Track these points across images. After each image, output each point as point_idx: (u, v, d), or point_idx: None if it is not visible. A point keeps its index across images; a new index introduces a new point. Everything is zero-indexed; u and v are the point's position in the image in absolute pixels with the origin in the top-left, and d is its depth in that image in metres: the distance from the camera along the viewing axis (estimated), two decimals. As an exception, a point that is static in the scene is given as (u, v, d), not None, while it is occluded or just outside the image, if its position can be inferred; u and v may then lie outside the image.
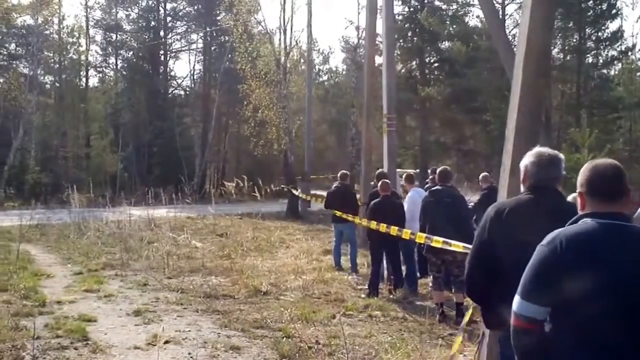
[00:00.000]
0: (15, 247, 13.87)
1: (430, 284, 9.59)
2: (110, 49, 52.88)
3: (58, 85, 46.78)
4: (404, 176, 12.18)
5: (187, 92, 55.72)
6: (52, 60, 47.05)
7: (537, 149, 3.92)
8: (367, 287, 10.70)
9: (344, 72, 59.92)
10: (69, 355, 6.89)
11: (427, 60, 37.29)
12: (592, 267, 2.62)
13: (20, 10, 45.33)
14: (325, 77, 60.43)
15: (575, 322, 2.65)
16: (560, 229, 2.76)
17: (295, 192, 26.02)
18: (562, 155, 3.86)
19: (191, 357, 6.92)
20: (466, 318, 6.06)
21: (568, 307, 2.65)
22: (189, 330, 8.03)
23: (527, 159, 3.87)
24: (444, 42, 36.20)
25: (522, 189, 3.95)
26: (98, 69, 53.55)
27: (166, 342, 7.36)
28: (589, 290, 2.60)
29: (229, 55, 40.69)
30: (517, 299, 2.75)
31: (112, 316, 8.74)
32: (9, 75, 43.07)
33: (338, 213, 13.00)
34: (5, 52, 48.14)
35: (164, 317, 8.73)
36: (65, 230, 18.74)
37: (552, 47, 22.58)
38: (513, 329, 2.77)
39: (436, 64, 37.93)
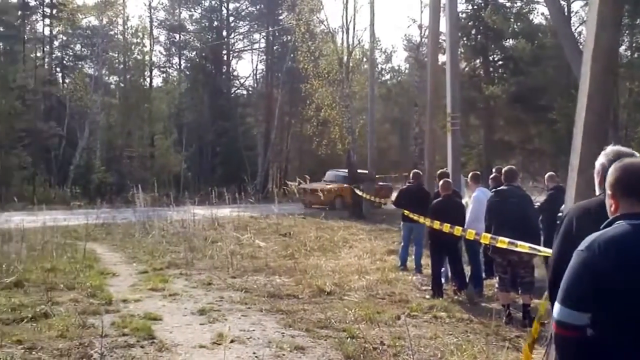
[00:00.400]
0: (82, 246, 14.16)
1: (496, 285, 9.42)
2: (173, 49, 53.62)
3: (122, 85, 47.49)
4: (469, 175, 11.98)
5: (250, 92, 56.09)
6: (117, 60, 47.84)
7: (613, 148, 3.77)
8: (430, 288, 10.59)
9: (406, 71, 59.65)
10: (135, 353, 6.94)
11: (491, 58, 36.84)
12: (631, 269, 2.55)
13: (85, 11, 46.35)
14: (387, 76, 60.28)
15: (617, 325, 2.58)
16: (597, 233, 2.70)
17: (358, 192, 25.93)
18: (638, 154, 3.71)
19: (256, 357, 6.91)
20: (535, 327, 5.90)
21: (609, 310, 2.58)
22: (254, 330, 8.03)
23: (604, 159, 3.72)
24: (508, 40, 35.75)
25: (597, 190, 3.81)
26: (162, 69, 54.30)
27: (231, 341, 7.36)
28: (630, 292, 2.53)
29: (292, 55, 40.78)
30: (557, 306, 2.69)
31: (177, 315, 8.79)
32: (74, 76, 44.01)
33: (406, 212, 12.86)
34: (71, 53, 49.25)
35: (229, 316, 8.74)
36: (131, 229, 19.00)
37: (619, 45, 22.05)
38: (555, 337, 2.72)
39: (500, 62, 37.43)
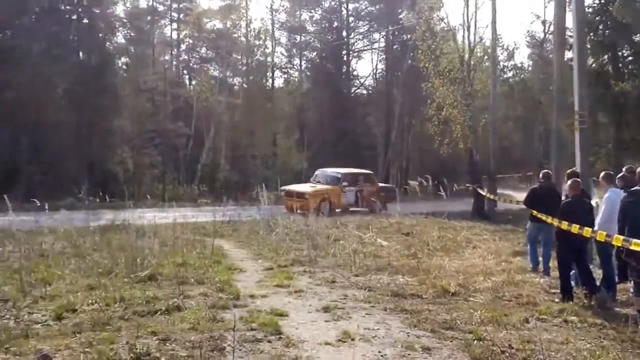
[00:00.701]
0: (210, 242, 14.56)
1: (631, 290, 9.05)
2: (294, 50, 54.41)
3: (246, 86, 48.57)
4: (601, 175, 11.53)
5: (370, 91, 56.13)
6: (240, 62, 48.96)
7: None
8: (560, 291, 10.26)
9: (529, 68, 58.20)
10: (263, 347, 7.07)
11: (620, 53, 35.44)
12: None
13: (210, 15, 47.80)
14: (510, 74, 58.96)
15: None
16: None
17: (482, 192, 25.47)
18: None
19: (382, 356, 6.90)
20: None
21: None
22: (378, 329, 8.02)
23: None
24: (638, 35, 34.31)
25: None
26: (283, 70, 55.24)
27: (355, 339, 7.40)
28: None
29: (411, 54, 40.61)
30: None
31: (303, 312, 8.90)
32: (200, 78, 45.41)
33: (534, 212, 12.51)
34: (197, 56, 50.77)
35: (353, 314, 8.76)
36: (255, 227, 19.32)
37: None
38: None
39: (630, 58, 35.95)
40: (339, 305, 9.25)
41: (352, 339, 7.39)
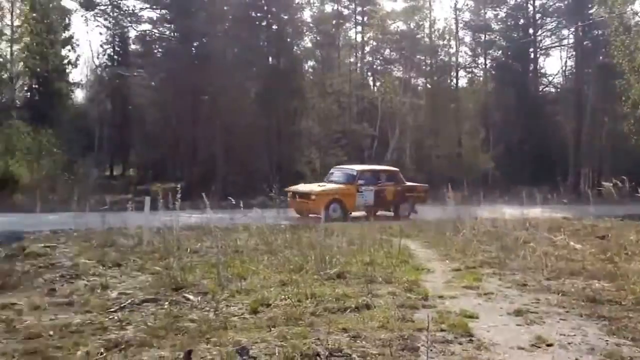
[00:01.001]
0: (396, 242, 14.57)
1: None
2: (479, 50, 53.82)
3: (429, 86, 48.63)
4: None
5: (558, 90, 54.39)
6: (424, 63, 49.06)
7: None
8: None
9: None
10: (454, 349, 7.00)
11: None
12: None
13: (394, 17, 48.33)
14: None
15: None
16: None
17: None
18: None
19: (579, 364, 6.64)
20: None
21: None
22: (574, 335, 7.70)
23: None
24: None
25: None
26: (467, 69, 54.80)
27: (550, 344, 7.20)
28: None
29: (603, 50, 38.93)
30: None
31: (493, 314, 8.70)
32: (384, 79, 45.99)
33: None
34: (381, 58, 51.37)
35: (546, 319, 8.46)
36: (441, 227, 19.19)
37: None
38: None
39: None
40: (531, 309, 8.96)
41: (548, 345, 7.16)
